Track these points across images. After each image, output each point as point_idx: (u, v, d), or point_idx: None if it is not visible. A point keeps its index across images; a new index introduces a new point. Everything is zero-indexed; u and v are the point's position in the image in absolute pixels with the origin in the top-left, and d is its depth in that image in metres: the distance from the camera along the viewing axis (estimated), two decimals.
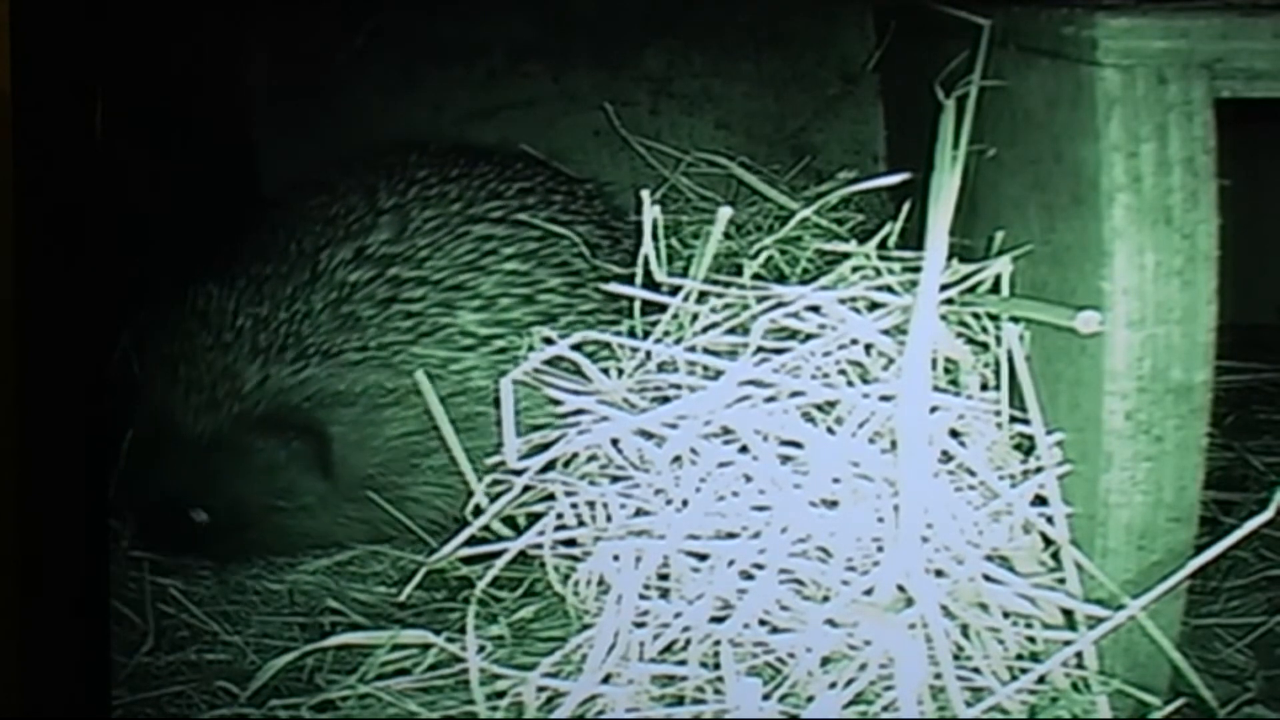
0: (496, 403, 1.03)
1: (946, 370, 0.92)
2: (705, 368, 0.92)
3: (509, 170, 1.19)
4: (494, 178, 1.17)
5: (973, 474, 0.86)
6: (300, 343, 1.07)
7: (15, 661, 0.83)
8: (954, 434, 0.88)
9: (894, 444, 0.85)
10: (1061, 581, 0.84)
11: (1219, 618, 0.99)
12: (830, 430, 0.88)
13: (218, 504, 1.08)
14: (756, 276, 1.01)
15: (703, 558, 0.85)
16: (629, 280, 1.02)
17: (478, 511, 0.96)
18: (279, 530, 1.10)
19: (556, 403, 0.95)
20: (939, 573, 0.83)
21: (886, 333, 0.91)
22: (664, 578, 0.86)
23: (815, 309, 0.92)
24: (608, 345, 1.00)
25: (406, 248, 1.10)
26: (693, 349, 0.94)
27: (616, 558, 0.86)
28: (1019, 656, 0.84)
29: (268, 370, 1.06)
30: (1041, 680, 0.82)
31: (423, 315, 1.08)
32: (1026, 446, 0.88)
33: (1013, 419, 0.89)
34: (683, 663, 0.84)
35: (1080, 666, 0.83)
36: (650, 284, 1.01)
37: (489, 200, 1.14)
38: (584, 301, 1.13)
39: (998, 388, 0.90)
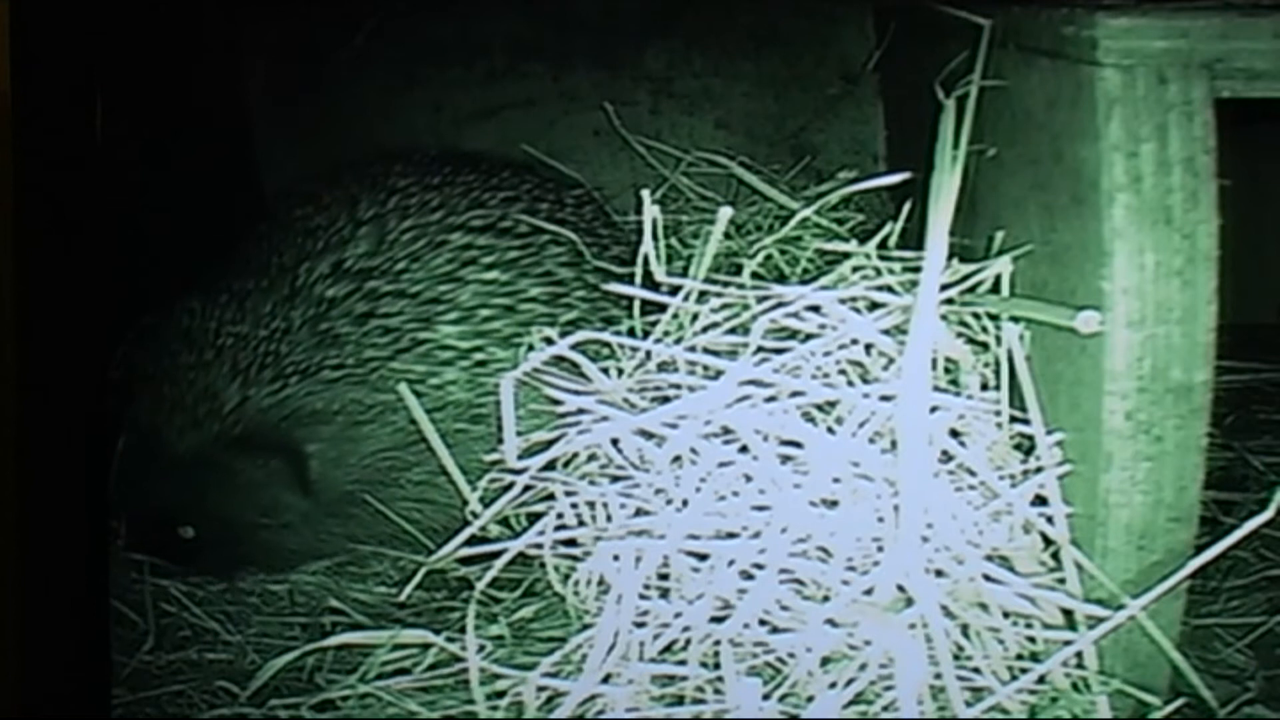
0: (475, 418, 1.03)
1: (946, 370, 0.92)
2: (705, 367, 0.92)
3: (494, 178, 1.18)
4: (478, 186, 1.16)
5: (973, 474, 0.86)
6: (279, 361, 1.07)
7: (15, 661, 0.83)
8: (954, 434, 0.88)
9: (894, 444, 0.85)
10: (1061, 581, 0.84)
11: (1219, 618, 0.99)
12: (830, 430, 0.88)
13: (206, 521, 1.08)
14: (756, 276, 1.01)
15: (703, 558, 0.85)
16: (627, 284, 1.02)
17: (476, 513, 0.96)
18: (266, 546, 1.10)
19: (546, 411, 0.95)
20: (939, 573, 0.83)
21: (886, 333, 0.91)
22: (664, 578, 0.86)
23: (815, 309, 0.92)
24: (608, 345, 1.00)
25: (383, 261, 1.09)
26: (693, 349, 0.94)
27: (616, 558, 0.86)
28: (1019, 656, 0.84)
29: (246, 391, 1.06)
30: (1041, 680, 0.82)
31: (401, 330, 1.08)
32: (1026, 446, 0.88)
33: (1013, 419, 0.89)
34: (683, 663, 0.84)
35: (1080, 666, 0.83)
36: (650, 284, 1.01)
37: (470, 209, 1.14)
38: (567, 310, 1.12)
39: (998, 388, 0.89)
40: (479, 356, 1.08)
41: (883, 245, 0.99)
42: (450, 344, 1.08)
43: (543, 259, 1.13)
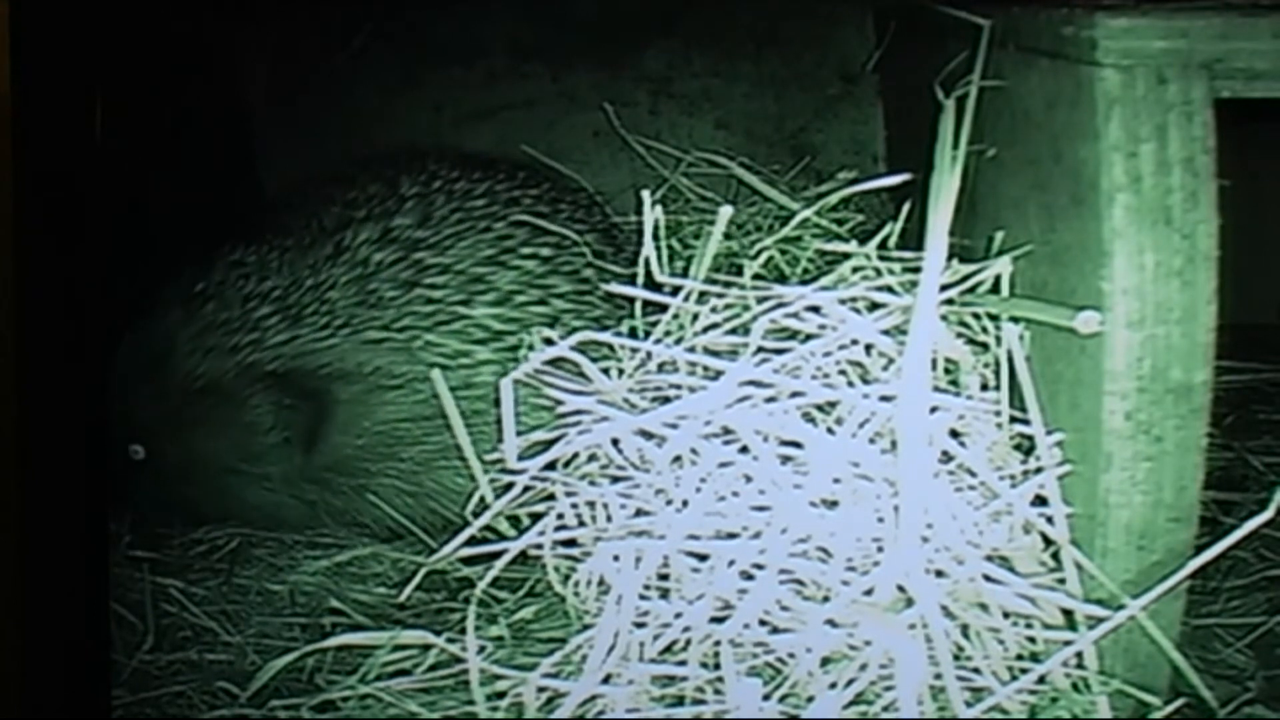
0: (497, 401, 1.03)
1: (946, 370, 0.92)
2: (705, 368, 0.92)
3: (516, 179, 1.20)
4: (507, 184, 1.18)
5: (973, 474, 0.86)
6: (332, 310, 1.08)
7: (15, 661, 0.83)
8: (954, 434, 0.88)
9: (894, 444, 0.85)
10: (1061, 581, 0.84)
11: (1219, 618, 0.99)
12: (830, 430, 0.88)
13: (177, 450, 1.08)
14: (757, 276, 1.01)
15: (703, 558, 0.85)
16: (632, 285, 1.02)
17: (479, 511, 0.96)
18: (223, 493, 1.10)
19: (552, 407, 0.95)
20: (939, 573, 0.83)
21: (886, 333, 0.91)
22: (664, 578, 0.86)
23: (815, 309, 0.92)
24: (608, 345, 1.00)
25: (431, 234, 1.11)
26: (693, 349, 0.94)
27: (617, 558, 0.86)
28: (1019, 656, 0.84)
29: (298, 331, 1.07)
30: (1041, 680, 0.82)
31: (442, 303, 1.09)
32: (1026, 446, 0.88)
33: (1013, 419, 0.89)
34: (683, 663, 0.84)
35: (1080, 666, 0.83)
36: (651, 284, 1.01)
37: (509, 206, 1.15)
38: (591, 309, 1.13)
39: (998, 388, 0.90)
40: (511, 340, 1.09)
41: (883, 245, 0.99)
42: (485, 324, 1.09)
43: (572, 258, 1.15)
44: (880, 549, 0.84)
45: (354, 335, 1.07)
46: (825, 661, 0.82)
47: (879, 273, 0.96)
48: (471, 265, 1.11)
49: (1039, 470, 0.86)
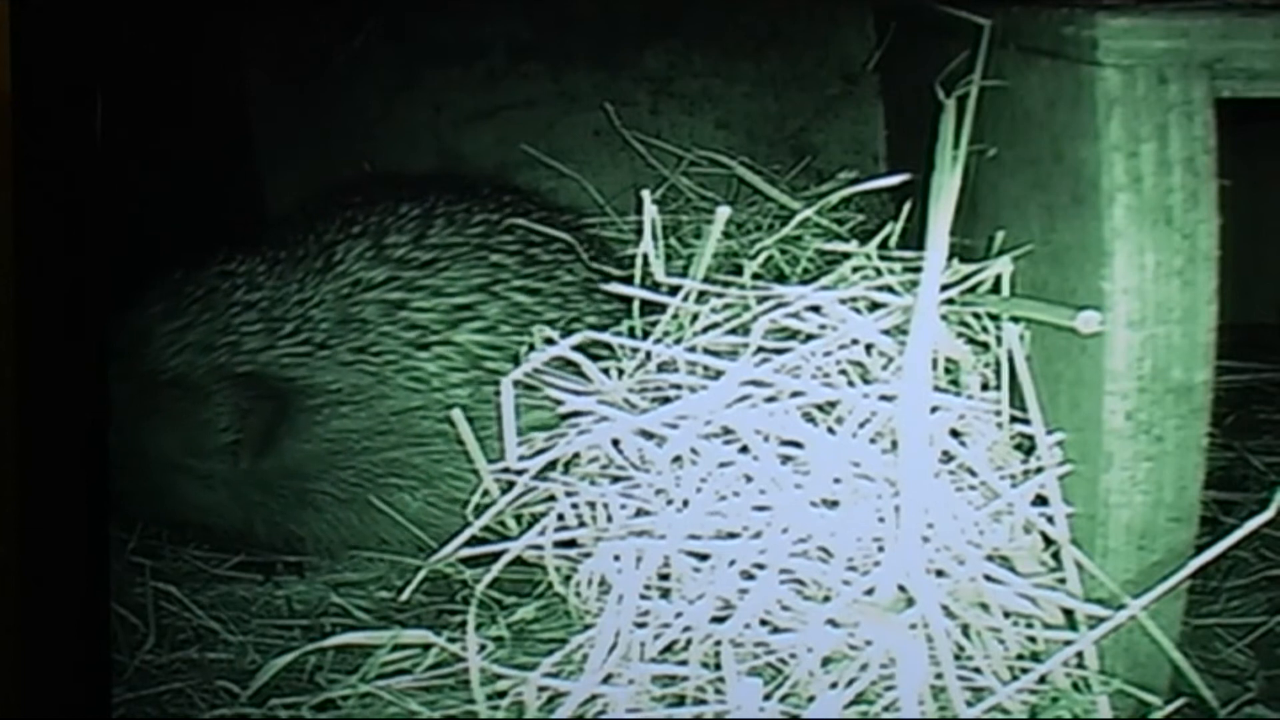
0: (470, 422, 1.03)
1: (947, 370, 0.92)
2: (705, 368, 0.92)
3: (504, 206, 1.19)
4: (499, 212, 1.18)
5: (973, 474, 0.86)
6: (312, 329, 1.08)
7: (15, 661, 0.83)
8: (954, 434, 0.88)
9: (894, 444, 0.85)
10: (1062, 581, 0.84)
11: (1219, 618, 0.99)
12: (831, 430, 0.88)
13: (126, 439, 1.06)
14: (757, 276, 1.01)
15: (703, 558, 0.85)
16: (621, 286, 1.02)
17: (479, 512, 0.96)
18: (155, 490, 1.09)
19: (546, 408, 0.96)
20: (940, 573, 0.83)
21: (887, 333, 0.91)
22: (665, 578, 0.86)
23: (816, 309, 0.92)
24: (608, 346, 1.00)
25: (422, 254, 1.11)
26: (693, 349, 0.94)
27: (617, 558, 0.86)
28: (1020, 656, 0.84)
29: (274, 342, 1.08)
30: (1042, 680, 0.82)
31: (427, 328, 1.09)
32: (1027, 446, 0.88)
33: (1013, 419, 0.89)
34: (683, 663, 0.84)
35: (1081, 666, 0.83)
36: (650, 284, 1.01)
37: (504, 234, 1.16)
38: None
39: (998, 388, 0.90)
40: (490, 366, 1.09)
41: (883, 245, 0.99)
42: (469, 351, 1.09)
43: (562, 287, 1.15)
44: (881, 549, 0.84)
45: (329, 356, 1.08)
46: (826, 661, 0.82)
47: (879, 273, 0.96)
48: (461, 291, 1.11)
49: (1039, 470, 0.86)
